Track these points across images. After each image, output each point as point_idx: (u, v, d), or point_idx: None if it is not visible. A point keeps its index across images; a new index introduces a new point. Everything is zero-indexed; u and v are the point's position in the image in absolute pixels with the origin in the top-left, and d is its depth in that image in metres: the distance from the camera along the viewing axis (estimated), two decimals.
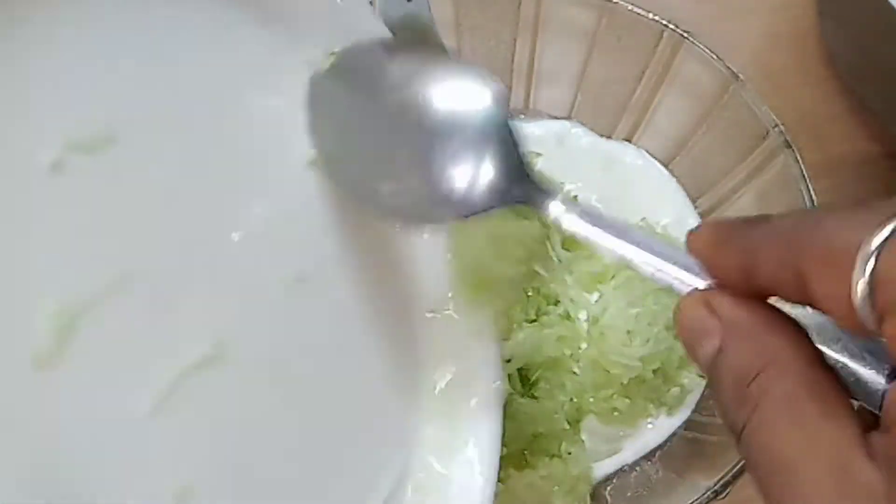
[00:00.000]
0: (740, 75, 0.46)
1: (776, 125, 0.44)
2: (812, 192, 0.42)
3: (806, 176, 0.43)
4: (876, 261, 0.18)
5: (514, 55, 0.51)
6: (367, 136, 0.30)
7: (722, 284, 0.22)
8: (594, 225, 0.25)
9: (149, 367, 0.25)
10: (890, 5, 0.42)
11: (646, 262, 0.24)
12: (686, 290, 0.23)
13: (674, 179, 0.50)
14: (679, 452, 0.43)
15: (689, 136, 0.49)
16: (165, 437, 0.25)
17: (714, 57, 0.46)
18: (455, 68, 0.29)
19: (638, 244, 0.25)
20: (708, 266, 0.23)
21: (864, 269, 0.18)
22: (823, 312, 0.19)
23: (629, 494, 0.43)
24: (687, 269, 0.23)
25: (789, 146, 0.44)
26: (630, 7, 0.47)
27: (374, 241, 0.33)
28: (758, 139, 0.45)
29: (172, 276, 0.26)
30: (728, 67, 0.46)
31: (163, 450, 0.25)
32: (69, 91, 0.24)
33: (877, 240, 0.18)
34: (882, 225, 0.18)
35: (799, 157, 0.43)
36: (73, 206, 0.24)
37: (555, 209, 0.26)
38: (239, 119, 0.29)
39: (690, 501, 0.37)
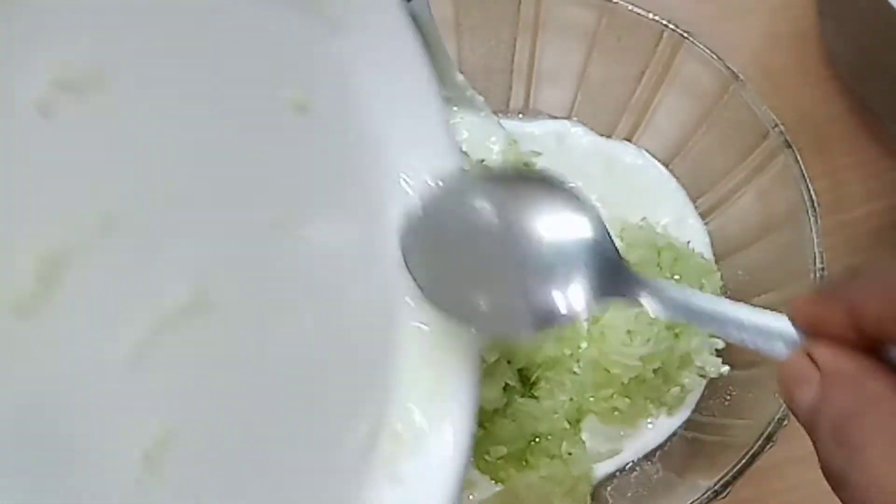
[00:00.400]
0: (740, 75, 0.46)
1: (776, 125, 0.44)
2: (812, 192, 0.42)
3: (806, 176, 0.43)
4: None
5: (514, 55, 0.51)
6: (467, 265, 0.31)
7: (825, 338, 0.23)
8: (685, 308, 0.27)
9: (130, 312, 0.25)
10: (889, 5, 0.42)
11: (739, 331, 0.26)
12: (785, 354, 0.24)
13: (674, 179, 0.50)
14: (679, 452, 0.43)
15: (689, 136, 0.49)
16: (146, 383, 0.25)
17: (714, 57, 0.46)
18: (550, 196, 0.31)
19: (728, 317, 0.26)
20: (814, 324, 0.24)
21: None
22: None
23: (629, 494, 0.42)
24: (780, 332, 0.25)
25: (789, 146, 0.44)
26: (630, 7, 0.47)
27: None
28: (758, 139, 0.45)
29: (158, 220, 0.26)
30: (728, 67, 0.46)
31: (143, 396, 0.25)
32: (57, 27, 0.24)
33: None
34: None
35: (799, 157, 0.43)
36: (59, 146, 0.24)
37: (646, 300, 0.28)
38: (231, 68, 0.29)
39: (690, 501, 0.37)
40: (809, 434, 0.23)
